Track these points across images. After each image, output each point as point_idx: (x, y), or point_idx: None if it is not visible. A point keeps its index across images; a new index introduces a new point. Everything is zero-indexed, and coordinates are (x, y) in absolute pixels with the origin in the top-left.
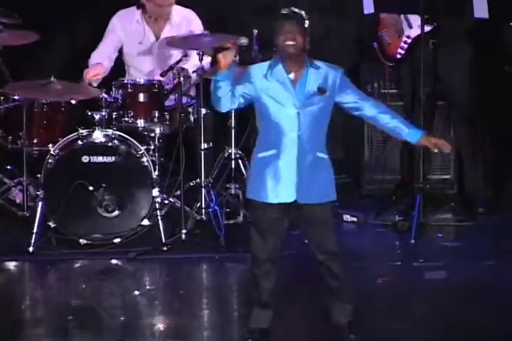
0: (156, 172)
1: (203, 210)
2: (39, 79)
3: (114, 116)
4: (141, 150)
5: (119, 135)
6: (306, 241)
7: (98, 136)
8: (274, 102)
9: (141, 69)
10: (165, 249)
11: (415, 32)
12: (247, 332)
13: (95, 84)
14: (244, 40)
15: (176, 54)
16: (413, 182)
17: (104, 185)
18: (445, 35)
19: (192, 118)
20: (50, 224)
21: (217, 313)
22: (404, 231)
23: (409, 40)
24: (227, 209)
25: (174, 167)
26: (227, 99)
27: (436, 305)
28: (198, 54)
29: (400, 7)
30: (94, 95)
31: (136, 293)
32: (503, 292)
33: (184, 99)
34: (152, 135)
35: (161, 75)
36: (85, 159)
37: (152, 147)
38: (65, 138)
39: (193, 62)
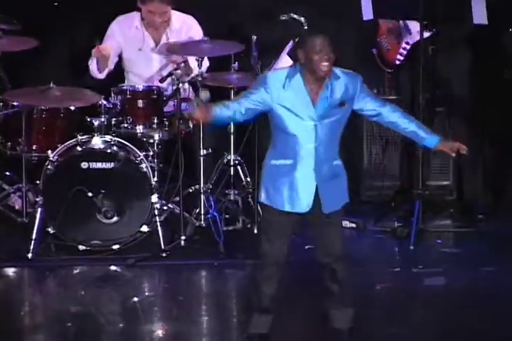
0: (155, 179)
1: (202, 216)
2: (38, 85)
3: (113, 122)
4: (140, 156)
5: (118, 141)
6: (308, 247)
7: (97, 142)
8: (292, 114)
9: (141, 75)
10: (164, 255)
11: (414, 38)
12: (247, 338)
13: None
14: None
15: (175, 59)
16: (412, 189)
17: (103, 191)
18: (444, 41)
19: (191, 125)
20: (49, 230)
21: (216, 320)
22: (404, 237)
23: (408, 47)
24: (227, 216)
25: (173, 173)
26: (237, 118)
27: (436, 311)
28: (197, 60)
29: (399, 13)
30: (93, 101)
31: (135, 299)
32: (502, 298)
33: (183, 105)
34: (151, 141)
35: (160, 81)
36: (84, 165)
37: (151, 153)
38: (64, 145)
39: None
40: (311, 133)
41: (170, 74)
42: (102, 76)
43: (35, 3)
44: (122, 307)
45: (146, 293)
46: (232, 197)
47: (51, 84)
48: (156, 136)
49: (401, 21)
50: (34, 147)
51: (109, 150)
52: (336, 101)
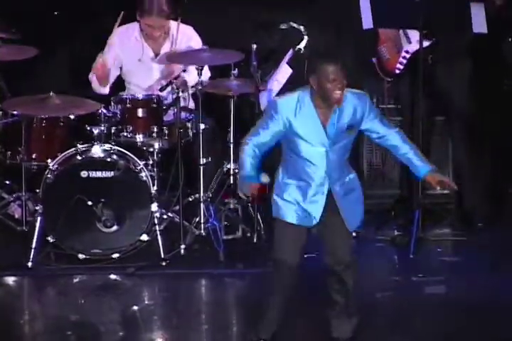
0: (155, 187)
1: (202, 225)
2: (38, 94)
3: (112, 131)
4: (139, 165)
5: (118, 150)
6: (307, 256)
7: (97, 151)
8: (303, 141)
9: (141, 86)
10: (164, 264)
11: (414, 47)
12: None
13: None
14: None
15: (174, 69)
16: (412, 197)
17: (103, 200)
18: (444, 50)
19: (191, 133)
20: (49, 239)
21: (215, 329)
22: (404, 246)
23: (408, 56)
24: (226, 224)
25: (173, 182)
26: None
27: (436, 319)
28: (197, 69)
29: (399, 22)
30: (93, 110)
31: (135, 308)
32: (502, 306)
33: (183, 114)
34: (151, 150)
35: (160, 90)
36: (84, 174)
37: (151, 162)
38: (64, 153)
39: (192, 77)
40: (323, 158)
41: (170, 83)
42: (105, 91)
43: (34, 12)
44: (122, 316)
45: (146, 302)
46: (231, 206)
47: (50, 93)
48: (156, 145)
49: (401, 30)
50: (34, 156)
51: (108, 159)
52: (345, 125)
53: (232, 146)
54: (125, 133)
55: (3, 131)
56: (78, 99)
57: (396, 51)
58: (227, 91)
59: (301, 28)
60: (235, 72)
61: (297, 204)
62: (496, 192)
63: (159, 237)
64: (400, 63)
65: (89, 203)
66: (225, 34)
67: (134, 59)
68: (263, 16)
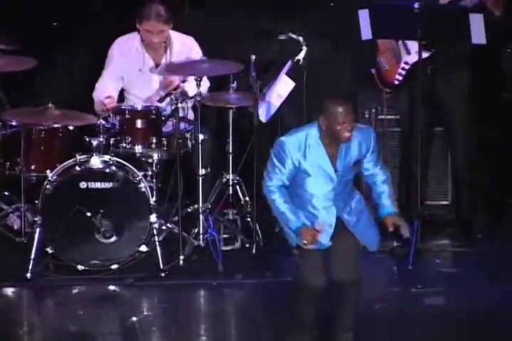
0: (154, 198)
1: (201, 236)
2: (37, 105)
3: (111, 142)
4: (138, 176)
5: (117, 161)
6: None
7: (96, 162)
8: (311, 178)
9: (141, 96)
10: (163, 275)
11: (413, 58)
12: None
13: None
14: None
15: (173, 80)
16: (411, 208)
17: (101, 211)
18: (443, 61)
19: (190, 144)
20: (48, 250)
21: (214, 340)
22: (402, 257)
23: (407, 67)
24: (225, 235)
25: (172, 193)
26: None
27: (435, 330)
28: (196, 80)
29: (397, 33)
30: (91, 121)
31: (134, 319)
32: (501, 317)
33: (182, 125)
34: (150, 161)
35: (159, 101)
36: (83, 185)
37: (150, 173)
38: (63, 164)
39: (190, 88)
40: (330, 193)
41: (169, 94)
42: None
43: (34, 23)
44: (121, 327)
45: (145, 313)
46: (230, 217)
47: (49, 104)
48: (155, 156)
49: (400, 41)
50: (33, 167)
51: (107, 170)
52: (351, 161)
53: (231, 157)
54: (124, 144)
55: (2, 141)
56: (77, 110)
57: (395, 62)
58: (225, 104)
59: (300, 38)
60: (234, 85)
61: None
62: (495, 203)
63: (158, 248)
64: (399, 74)
65: (88, 214)
66: (224, 45)
67: (134, 69)
68: (262, 27)
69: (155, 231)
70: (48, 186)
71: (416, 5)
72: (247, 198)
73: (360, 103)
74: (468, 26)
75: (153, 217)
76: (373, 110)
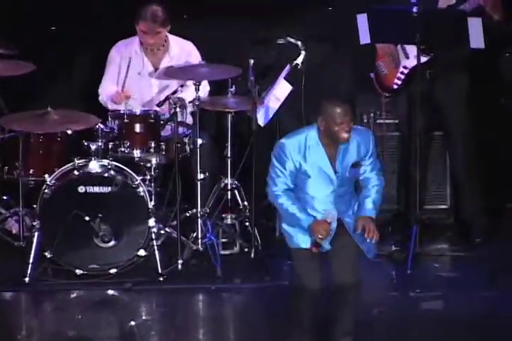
0: (153, 203)
1: (200, 240)
2: (35, 109)
3: (110, 147)
4: (137, 180)
5: (115, 165)
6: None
7: (94, 166)
8: (312, 180)
9: (139, 100)
10: (161, 279)
11: (412, 62)
12: None
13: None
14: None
15: (173, 84)
16: (409, 213)
17: (100, 215)
18: (442, 65)
19: (188, 149)
20: (47, 254)
21: None
22: (401, 261)
23: (405, 71)
24: (224, 240)
25: (170, 197)
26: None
27: (433, 335)
28: (195, 84)
29: (396, 37)
30: (91, 124)
31: (133, 323)
32: (500, 322)
33: (180, 129)
34: (148, 165)
35: (158, 105)
36: (81, 189)
37: (148, 177)
38: (61, 169)
39: (189, 92)
40: (331, 195)
41: (167, 99)
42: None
43: (32, 28)
44: (119, 331)
45: (143, 317)
46: (229, 221)
47: (48, 108)
48: (154, 160)
49: (399, 45)
50: (31, 171)
51: (106, 175)
52: (350, 164)
53: (229, 161)
54: (122, 149)
55: (1, 146)
56: (76, 114)
57: (394, 66)
58: (224, 109)
59: (299, 43)
60: (232, 89)
61: (308, 234)
62: (494, 207)
63: (157, 252)
64: (398, 78)
65: (87, 218)
66: (222, 49)
67: (134, 73)
68: (261, 31)
69: (153, 236)
70: (46, 190)
71: (414, 9)
72: (245, 202)
73: (359, 107)
74: (466, 30)
75: (151, 222)
76: (372, 114)
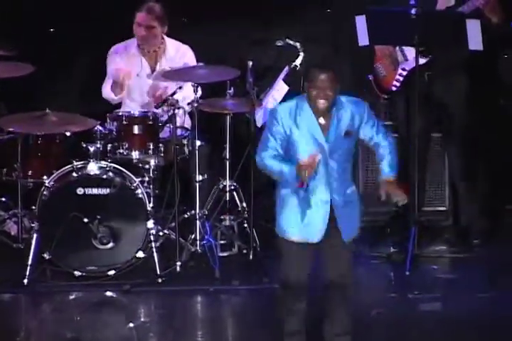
0: (151, 204)
1: (198, 242)
2: (34, 111)
3: (108, 148)
4: (135, 182)
5: (114, 167)
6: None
7: (93, 168)
8: (303, 146)
9: (137, 101)
10: (160, 281)
11: (410, 64)
12: None
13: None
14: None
15: (171, 86)
16: (408, 214)
17: (98, 217)
18: (440, 67)
19: (187, 150)
20: (45, 256)
21: None
22: (399, 262)
23: (404, 73)
24: (222, 241)
25: (169, 199)
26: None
27: (432, 337)
28: (193, 86)
29: (395, 39)
30: (89, 126)
31: (131, 325)
32: (498, 323)
33: (179, 131)
34: (147, 167)
35: (156, 107)
36: (80, 191)
37: (147, 179)
38: (60, 170)
39: (187, 94)
40: (322, 166)
41: (166, 100)
42: (115, 99)
43: (31, 29)
44: (118, 333)
45: (142, 319)
46: (227, 223)
47: (47, 110)
48: (152, 162)
49: (397, 47)
50: (30, 173)
51: (104, 176)
52: (342, 131)
53: (228, 163)
54: (121, 150)
55: None
56: (74, 116)
57: (393, 68)
58: (223, 110)
59: (297, 44)
60: (231, 91)
61: (300, 218)
62: (492, 209)
63: (155, 254)
64: (397, 80)
65: (85, 220)
66: (221, 51)
67: (132, 74)
68: (259, 33)
69: (152, 238)
70: (45, 192)
71: (413, 11)
72: (244, 204)
73: None
74: (465, 32)
75: (150, 223)
76: None
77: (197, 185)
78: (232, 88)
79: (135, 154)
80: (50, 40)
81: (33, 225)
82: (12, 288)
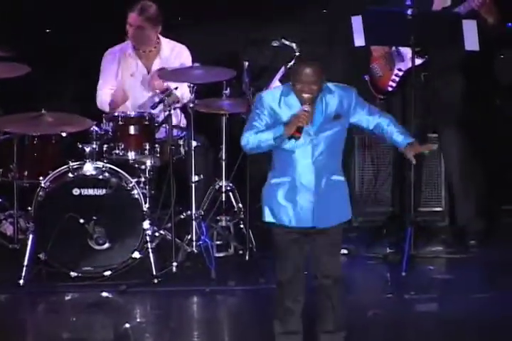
0: (147, 205)
1: (194, 243)
2: (30, 112)
3: (104, 149)
4: (131, 182)
5: (110, 167)
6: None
7: (89, 168)
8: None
9: (134, 102)
10: (155, 281)
11: (407, 65)
12: None
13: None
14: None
15: (166, 86)
16: (404, 215)
17: (94, 217)
18: (436, 67)
19: (183, 151)
20: (41, 256)
21: None
22: (396, 263)
23: (400, 73)
24: (218, 242)
25: (165, 199)
26: None
27: (428, 337)
28: (189, 86)
29: (390, 40)
30: (85, 127)
31: (127, 325)
32: (495, 324)
33: (175, 132)
34: (143, 167)
35: (152, 108)
36: (76, 192)
37: (143, 179)
38: (56, 171)
39: (183, 94)
40: (308, 149)
41: (161, 101)
42: (108, 111)
43: (29, 30)
44: (114, 333)
45: (138, 320)
46: (223, 224)
47: (42, 111)
48: (148, 163)
49: (393, 48)
50: (25, 173)
51: (100, 177)
52: (331, 114)
53: (224, 164)
54: (117, 151)
55: None
56: (70, 117)
57: (389, 69)
58: (219, 111)
59: (293, 45)
60: (227, 91)
61: (288, 204)
62: (488, 209)
63: (151, 255)
64: (393, 81)
65: (81, 221)
66: (217, 51)
67: (127, 75)
68: (255, 33)
69: (148, 238)
70: (40, 193)
71: (409, 11)
72: (240, 205)
73: None
74: (461, 33)
75: (146, 224)
76: None
77: (193, 185)
78: (228, 88)
79: (131, 155)
80: (47, 41)
81: (28, 226)
82: (8, 289)
